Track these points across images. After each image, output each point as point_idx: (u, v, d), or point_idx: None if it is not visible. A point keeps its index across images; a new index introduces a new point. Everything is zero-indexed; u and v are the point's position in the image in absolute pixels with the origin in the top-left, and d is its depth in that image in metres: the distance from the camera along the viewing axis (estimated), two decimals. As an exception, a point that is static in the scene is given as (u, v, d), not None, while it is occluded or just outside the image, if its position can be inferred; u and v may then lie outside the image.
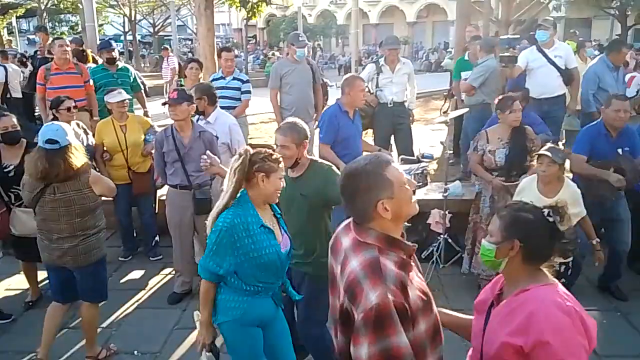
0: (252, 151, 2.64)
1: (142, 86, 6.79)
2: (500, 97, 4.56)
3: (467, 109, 5.46)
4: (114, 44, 6.66)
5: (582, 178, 4.26)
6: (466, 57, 6.76)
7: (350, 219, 1.83)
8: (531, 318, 1.72)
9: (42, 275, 4.68)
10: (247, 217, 2.61)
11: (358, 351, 1.59)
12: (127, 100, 5.13)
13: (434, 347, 1.72)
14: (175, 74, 11.72)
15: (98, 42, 7.99)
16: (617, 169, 4.14)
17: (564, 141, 6.71)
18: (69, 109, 4.76)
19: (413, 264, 1.76)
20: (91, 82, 6.21)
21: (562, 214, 1.85)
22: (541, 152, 3.70)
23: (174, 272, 4.81)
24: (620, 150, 4.26)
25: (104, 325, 4.20)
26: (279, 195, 2.72)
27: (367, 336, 1.56)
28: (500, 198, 4.33)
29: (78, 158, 3.34)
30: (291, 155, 3.06)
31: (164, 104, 4.25)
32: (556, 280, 1.87)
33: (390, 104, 5.96)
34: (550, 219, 1.83)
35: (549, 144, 3.87)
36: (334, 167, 3.19)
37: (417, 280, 1.70)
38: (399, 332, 1.55)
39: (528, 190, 3.82)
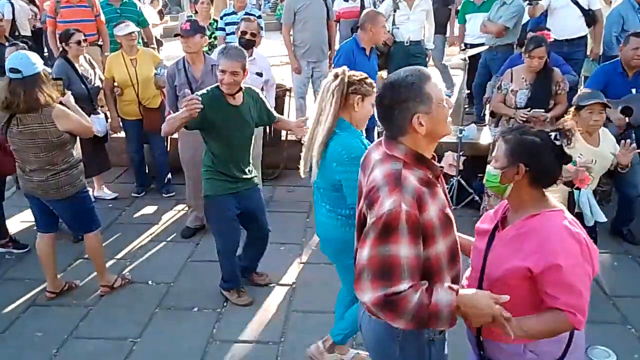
0: (348, 72, 2.57)
1: (149, 23, 6.62)
2: (529, 36, 4.40)
3: (486, 47, 5.31)
4: None
5: None
6: None
7: (381, 139, 1.81)
8: (544, 241, 1.72)
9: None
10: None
11: (361, 253, 1.62)
12: (136, 33, 5.02)
13: (452, 267, 1.74)
14: None
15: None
16: (626, 107, 4.05)
17: (582, 87, 6.54)
18: (79, 43, 4.67)
19: (440, 187, 1.74)
20: (102, 16, 6.09)
21: (569, 136, 1.81)
22: (588, 102, 3.42)
23: (186, 209, 4.84)
24: (634, 91, 4.16)
25: (119, 256, 4.29)
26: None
27: (371, 240, 1.58)
28: None
29: (43, 90, 3.24)
30: (239, 81, 3.25)
31: (175, 35, 4.15)
32: (562, 206, 1.86)
33: (407, 42, 5.78)
34: (558, 142, 1.80)
35: (586, 90, 3.71)
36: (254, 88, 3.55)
37: (441, 200, 1.68)
38: (404, 244, 1.56)
39: (574, 142, 3.66)
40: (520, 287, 1.77)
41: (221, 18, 6.02)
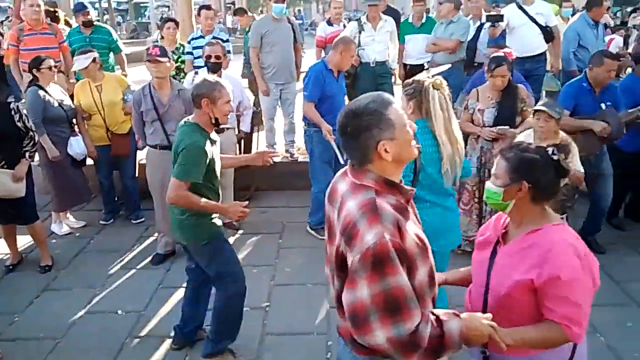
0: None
1: (122, 49, 6.57)
2: (492, 55, 4.51)
3: (449, 65, 5.41)
4: (89, 6, 6.43)
5: (567, 134, 4.30)
6: (410, 20, 6.64)
7: (345, 168, 1.79)
8: (546, 254, 1.75)
9: (22, 240, 4.65)
10: None
11: (356, 294, 1.54)
12: (92, 64, 4.87)
13: (432, 291, 1.73)
14: None
15: (72, 6, 7.73)
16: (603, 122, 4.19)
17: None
18: (50, 68, 4.65)
19: (410, 210, 1.74)
20: (66, 43, 6.04)
21: (566, 151, 1.86)
22: (537, 107, 3.63)
23: (156, 234, 4.78)
24: (603, 105, 4.30)
25: (87, 286, 4.19)
26: None
27: (366, 277, 1.52)
28: (487, 158, 4.30)
29: None
30: None
31: (148, 60, 4.11)
32: (564, 220, 1.90)
33: (373, 63, 5.90)
34: (555, 157, 1.84)
35: (544, 99, 3.84)
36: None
37: (413, 226, 1.67)
38: (399, 272, 1.52)
39: (571, 157, 3.68)
40: (524, 300, 1.80)
41: (189, 42, 6.04)
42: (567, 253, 1.75)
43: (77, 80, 5.50)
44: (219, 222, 3.10)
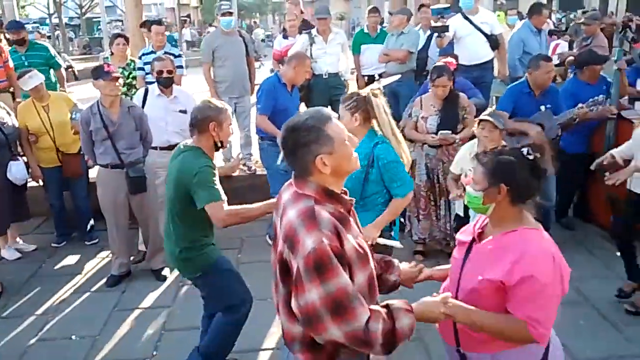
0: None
1: (61, 64, 6.40)
2: (434, 65, 4.62)
3: (399, 75, 5.52)
4: (41, 28, 6.29)
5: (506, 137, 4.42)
6: (365, 30, 6.74)
7: (292, 179, 1.83)
8: (520, 257, 1.79)
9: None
10: None
11: (305, 298, 1.60)
12: (42, 84, 4.79)
13: (371, 299, 1.76)
14: None
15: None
16: (537, 124, 4.32)
17: (494, 107, 6.91)
18: None
19: (352, 219, 1.78)
20: (10, 62, 5.87)
21: (540, 150, 1.91)
22: (482, 117, 3.72)
23: (111, 255, 4.67)
24: (542, 108, 4.45)
25: (39, 312, 4.06)
26: None
27: (312, 281, 1.58)
28: (434, 164, 4.42)
29: None
30: None
31: (104, 78, 4.01)
32: (540, 224, 1.95)
33: (325, 75, 5.95)
34: (531, 157, 1.88)
35: (489, 109, 3.94)
36: None
37: (354, 234, 1.73)
38: (340, 274, 1.58)
39: (469, 156, 3.82)
40: (492, 298, 1.84)
41: (140, 58, 5.95)
42: (540, 256, 1.80)
43: (24, 99, 5.35)
44: (214, 252, 2.98)
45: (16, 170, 4.58)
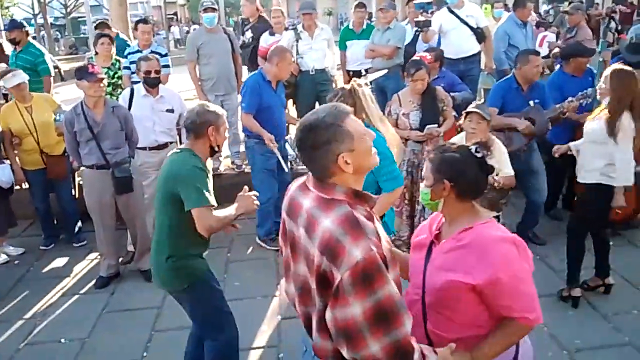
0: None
1: (51, 70, 6.33)
2: (410, 60, 4.61)
3: (386, 70, 5.53)
4: (26, 25, 6.20)
5: (495, 132, 4.43)
6: (350, 26, 6.71)
7: (301, 180, 1.77)
8: (481, 256, 1.78)
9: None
10: None
11: (345, 312, 1.51)
12: (25, 83, 4.75)
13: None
14: None
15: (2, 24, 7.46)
16: (527, 119, 4.34)
17: (482, 100, 6.94)
18: None
19: (375, 217, 1.74)
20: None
21: (488, 147, 1.91)
22: (470, 109, 3.74)
23: (99, 257, 4.63)
24: (531, 103, 4.45)
25: (27, 316, 4.02)
26: None
27: (356, 294, 1.49)
28: (420, 159, 4.39)
29: None
30: None
31: (88, 80, 3.96)
32: (491, 214, 1.96)
33: (312, 71, 5.93)
34: (479, 155, 1.89)
35: (475, 102, 3.95)
36: None
37: (382, 232, 1.69)
38: (388, 282, 1.52)
39: (493, 152, 3.77)
40: (461, 299, 1.83)
41: (125, 57, 5.90)
42: (501, 248, 1.79)
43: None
44: (203, 264, 2.85)
45: (1, 174, 4.57)
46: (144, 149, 4.57)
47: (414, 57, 4.55)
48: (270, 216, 4.84)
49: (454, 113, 4.59)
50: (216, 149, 2.81)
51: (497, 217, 3.84)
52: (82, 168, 4.35)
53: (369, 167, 1.70)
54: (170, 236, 2.71)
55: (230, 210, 2.71)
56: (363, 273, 1.48)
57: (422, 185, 1.98)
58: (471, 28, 6.05)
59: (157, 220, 2.78)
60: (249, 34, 6.68)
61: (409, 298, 2.00)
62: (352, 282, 1.49)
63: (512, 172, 3.77)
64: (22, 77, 4.73)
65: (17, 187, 4.94)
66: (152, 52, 5.74)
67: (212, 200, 2.66)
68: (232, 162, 6.09)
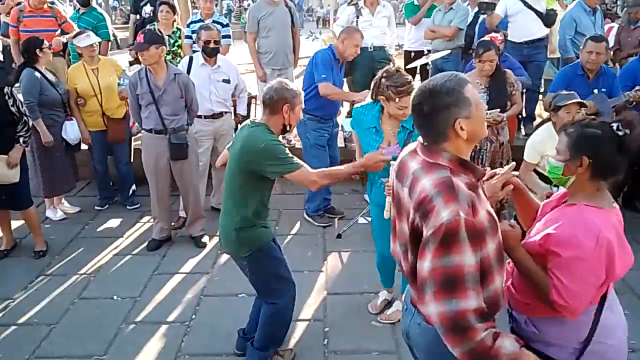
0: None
1: (110, 36, 6.45)
2: (479, 40, 4.47)
3: (448, 51, 5.39)
4: None
5: None
6: (416, 2, 6.58)
7: (414, 145, 1.80)
8: (561, 227, 1.78)
9: (15, 223, 4.60)
10: None
11: (422, 265, 1.61)
12: (96, 44, 4.91)
13: (500, 267, 1.74)
14: None
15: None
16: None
17: (543, 90, 6.68)
18: (49, 48, 4.67)
19: (480, 187, 1.75)
20: (69, 22, 5.96)
21: (631, 127, 1.82)
22: (568, 102, 3.58)
23: (152, 220, 4.74)
24: (596, 91, 4.27)
25: (82, 272, 4.16)
26: None
27: (432, 251, 1.56)
28: (482, 144, 4.27)
29: None
30: None
31: (130, 48, 4.06)
32: (615, 206, 1.87)
33: (370, 48, 5.82)
34: (620, 133, 1.79)
35: (563, 91, 3.79)
36: None
37: (485, 202, 1.70)
38: (465, 252, 1.55)
39: (552, 141, 3.70)
40: (535, 258, 1.85)
41: (188, 26, 5.95)
42: (581, 233, 1.73)
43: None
44: (267, 231, 2.89)
45: (71, 130, 4.77)
46: (199, 117, 4.61)
47: (484, 38, 4.40)
48: (320, 192, 4.83)
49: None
50: (288, 127, 2.80)
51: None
52: (140, 133, 4.44)
53: (480, 136, 1.74)
54: (239, 206, 2.76)
55: (340, 169, 2.83)
56: (444, 235, 1.54)
57: (551, 159, 1.90)
58: (536, 12, 5.81)
59: (227, 190, 2.82)
60: (147, 9, 6.49)
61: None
62: (432, 240, 1.56)
63: None
64: (94, 38, 4.87)
65: (84, 145, 5.09)
66: (213, 22, 5.78)
67: (298, 161, 2.70)
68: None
